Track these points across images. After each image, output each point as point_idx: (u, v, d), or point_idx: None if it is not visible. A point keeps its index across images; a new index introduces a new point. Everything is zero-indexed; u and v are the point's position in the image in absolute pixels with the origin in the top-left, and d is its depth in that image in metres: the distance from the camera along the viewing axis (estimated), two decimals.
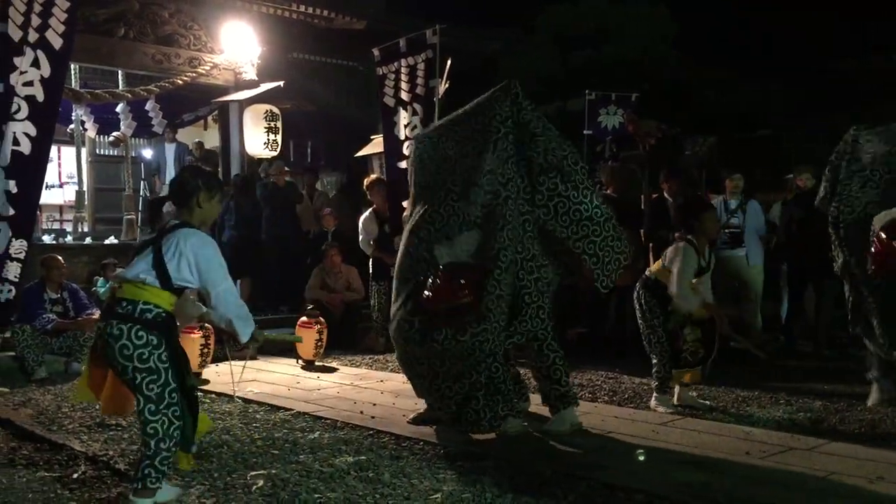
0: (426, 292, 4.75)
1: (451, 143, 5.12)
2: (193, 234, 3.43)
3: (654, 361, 5.75)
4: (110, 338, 3.34)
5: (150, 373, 3.32)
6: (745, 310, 8.09)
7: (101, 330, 3.43)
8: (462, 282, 4.69)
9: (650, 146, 9.56)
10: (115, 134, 11.50)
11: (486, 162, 4.84)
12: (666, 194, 8.11)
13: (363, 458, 4.45)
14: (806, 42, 15.29)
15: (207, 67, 10.50)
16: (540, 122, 5.01)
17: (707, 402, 5.83)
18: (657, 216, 7.98)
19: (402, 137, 8.77)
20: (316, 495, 3.81)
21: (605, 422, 5.26)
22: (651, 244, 7.84)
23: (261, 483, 4.01)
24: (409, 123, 8.69)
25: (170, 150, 12.31)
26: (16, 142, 6.65)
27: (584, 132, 9.63)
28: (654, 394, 5.77)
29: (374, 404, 5.85)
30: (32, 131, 6.69)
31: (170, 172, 12.17)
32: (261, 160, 10.83)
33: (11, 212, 6.62)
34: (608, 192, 8.43)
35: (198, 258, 3.39)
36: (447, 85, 8.82)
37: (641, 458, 4.39)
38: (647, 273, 5.89)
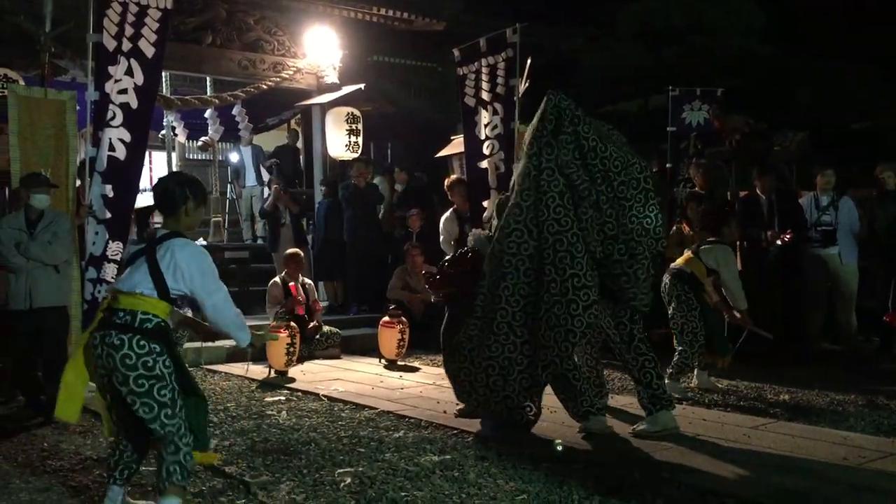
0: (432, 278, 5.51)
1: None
2: (187, 245, 3.47)
3: (680, 349, 6.00)
4: (110, 348, 3.33)
5: (158, 380, 3.33)
6: (838, 310, 7.81)
7: (97, 340, 3.40)
8: (452, 271, 5.26)
9: (736, 142, 9.33)
10: (203, 138, 11.90)
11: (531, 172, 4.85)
12: (758, 191, 7.90)
13: (448, 457, 4.47)
14: None
15: (291, 72, 10.72)
16: (586, 132, 4.88)
17: (720, 385, 6.04)
18: (749, 214, 7.78)
19: (483, 137, 8.77)
20: (402, 493, 3.85)
21: (693, 424, 5.15)
22: (743, 242, 7.66)
23: (348, 480, 4.07)
24: (489, 123, 8.69)
25: (246, 152, 12.61)
26: (112, 148, 6.90)
27: (668, 129, 9.44)
28: (666, 380, 5.78)
29: (457, 404, 5.84)
30: (127, 137, 6.94)
31: (249, 175, 12.48)
32: (343, 162, 11.00)
33: (108, 215, 6.88)
34: (696, 189, 8.27)
35: (191, 269, 3.42)
36: (527, 84, 8.78)
37: (733, 461, 4.28)
38: (677, 266, 6.09)
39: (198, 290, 3.44)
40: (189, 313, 4.39)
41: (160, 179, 3.81)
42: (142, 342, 3.33)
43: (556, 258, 4.69)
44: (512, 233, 4.82)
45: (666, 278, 6.11)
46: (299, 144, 12.23)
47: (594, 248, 4.75)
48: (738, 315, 6.19)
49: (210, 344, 8.25)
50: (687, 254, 6.20)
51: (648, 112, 12.99)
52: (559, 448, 4.53)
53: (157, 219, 3.82)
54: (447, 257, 5.58)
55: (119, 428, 3.57)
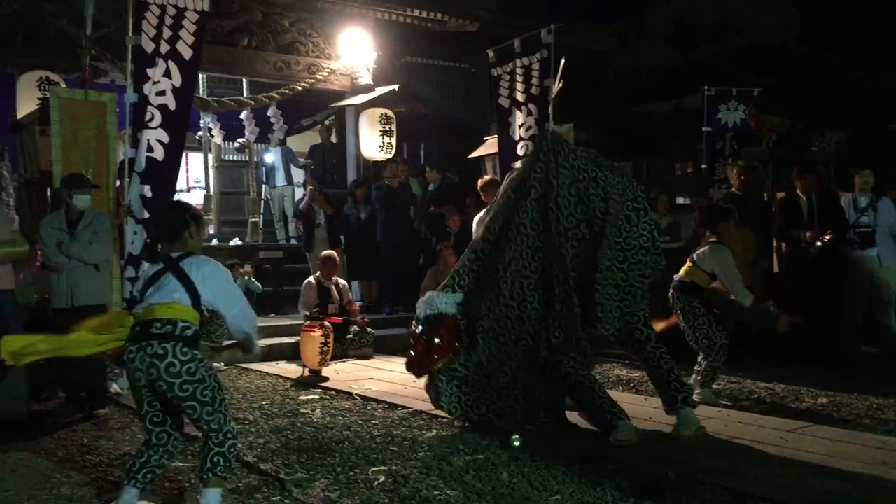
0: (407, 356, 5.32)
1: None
2: (209, 262, 3.70)
3: (701, 357, 5.98)
4: (153, 357, 3.45)
5: (201, 383, 3.48)
6: (877, 312, 7.67)
7: (134, 353, 3.49)
8: (436, 340, 5.17)
9: (773, 143, 9.22)
10: (239, 140, 12.01)
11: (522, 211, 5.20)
12: (799, 192, 7.79)
13: (481, 457, 4.46)
14: None
15: (325, 73, 10.78)
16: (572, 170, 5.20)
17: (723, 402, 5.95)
18: (789, 215, 7.68)
19: (517, 138, 8.76)
20: (436, 492, 3.85)
21: (728, 427, 5.10)
22: (781, 244, 7.56)
23: (382, 479, 4.09)
24: (523, 124, 8.67)
25: (276, 152, 12.67)
26: (150, 149, 7.00)
27: (703, 129, 9.36)
28: (698, 388, 5.87)
29: None
30: (165, 138, 7.03)
31: (279, 176, 12.56)
32: (377, 163, 11.04)
33: (146, 215, 6.98)
34: (732, 190, 8.18)
35: (219, 281, 3.64)
36: (560, 84, 8.75)
37: (769, 465, 4.22)
38: (679, 278, 6.08)
39: (223, 300, 3.66)
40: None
41: (161, 212, 4.00)
42: (184, 349, 3.47)
43: (563, 274, 5.05)
44: (515, 252, 5.15)
45: (671, 292, 6.06)
46: (333, 139, 12.28)
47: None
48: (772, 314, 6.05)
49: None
50: (687, 263, 6.16)
51: (682, 112, 12.87)
52: (516, 443, 4.61)
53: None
54: (416, 332, 5.37)
55: (153, 432, 3.65)
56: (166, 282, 3.58)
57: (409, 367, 5.36)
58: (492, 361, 5.16)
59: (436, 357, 5.18)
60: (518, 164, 5.74)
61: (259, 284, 9.85)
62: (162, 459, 3.68)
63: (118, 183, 7.08)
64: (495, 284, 5.18)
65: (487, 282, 5.24)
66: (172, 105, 7.06)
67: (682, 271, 6.15)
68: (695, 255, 6.15)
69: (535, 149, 5.44)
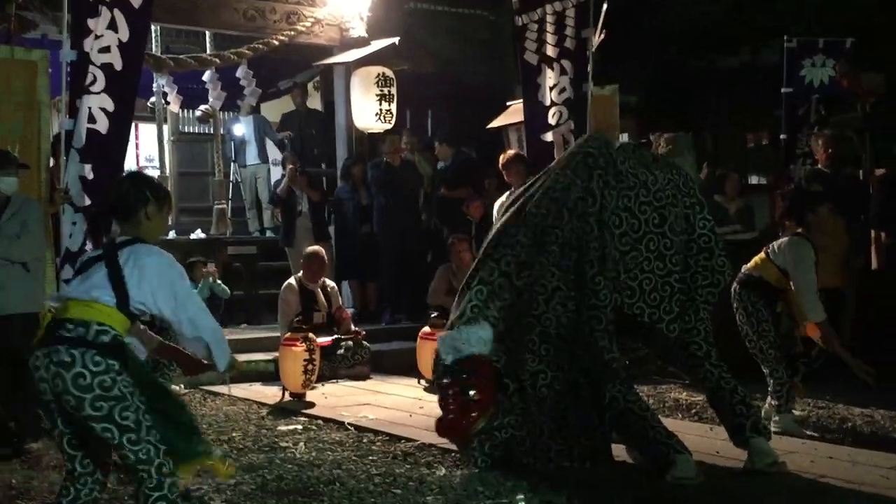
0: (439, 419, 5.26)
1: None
2: (154, 253, 3.59)
3: (768, 372, 6.05)
4: (59, 366, 3.39)
5: (119, 401, 3.40)
6: None
7: (40, 358, 3.46)
8: (471, 392, 5.09)
9: (871, 107, 9.17)
10: (202, 108, 12.01)
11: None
12: None
13: (505, 501, 4.47)
14: None
15: (308, 24, 10.78)
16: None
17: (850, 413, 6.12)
18: (891, 198, 7.65)
19: (548, 103, 8.75)
20: None
21: (815, 463, 5.10)
22: (881, 234, 7.54)
23: None
24: (555, 85, 8.67)
25: (248, 123, 12.68)
26: (91, 118, 7.02)
27: (783, 90, 9.32)
28: (775, 415, 5.95)
29: None
30: (110, 105, 7.05)
31: (251, 152, 12.59)
32: (373, 135, 11.05)
33: (88, 201, 7.01)
34: (818, 166, 8.15)
35: (161, 279, 3.55)
36: (602, 36, 8.73)
37: None
38: (746, 270, 6.18)
39: (167, 302, 3.56)
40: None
41: (116, 181, 3.99)
42: (97, 358, 3.40)
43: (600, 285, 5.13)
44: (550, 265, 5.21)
45: (734, 287, 6.09)
46: (310, 104, 12.27)
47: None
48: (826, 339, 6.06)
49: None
50: (760, 254, 6.18)
51: (756, 69, 12.82)
52: None
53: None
54: (443, 384, 5.33)
55: (74, 458, 3.61)
56: (94, 273, 3.54)
57: (444, 433, 5.28)
58: (542, 411, 5.18)
59: (475, 416, 5.07)
60: (553, 164, 5.76)
61: (226, 288, 9.88)
62: (94, 493, 3.63)
63: (52, 162, 7.11)
64: (536, 321, 5.19)
65: (524, 316, 5.23)
66: (119, 64, 7.08)
67: (752, 262, 6.18)
68: (771, 246, 6.16)
69: (574, 152, 5.51)
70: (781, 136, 9.28)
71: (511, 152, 9.37)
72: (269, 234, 12.39)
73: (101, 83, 7.03)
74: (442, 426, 5.22)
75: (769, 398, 6.07)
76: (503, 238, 5.43)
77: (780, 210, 7.17)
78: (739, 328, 6.13)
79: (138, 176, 4.02)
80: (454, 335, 5.22)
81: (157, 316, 3.70)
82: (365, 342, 8.55)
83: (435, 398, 7.38)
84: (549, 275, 5.19)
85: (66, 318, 3.48)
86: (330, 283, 8.74)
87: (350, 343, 8.43)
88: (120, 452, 3.46)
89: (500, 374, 5.15)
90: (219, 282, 9.84)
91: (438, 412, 6.76)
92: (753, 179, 11.97)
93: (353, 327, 8.62)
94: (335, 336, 8.38)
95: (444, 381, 5.24)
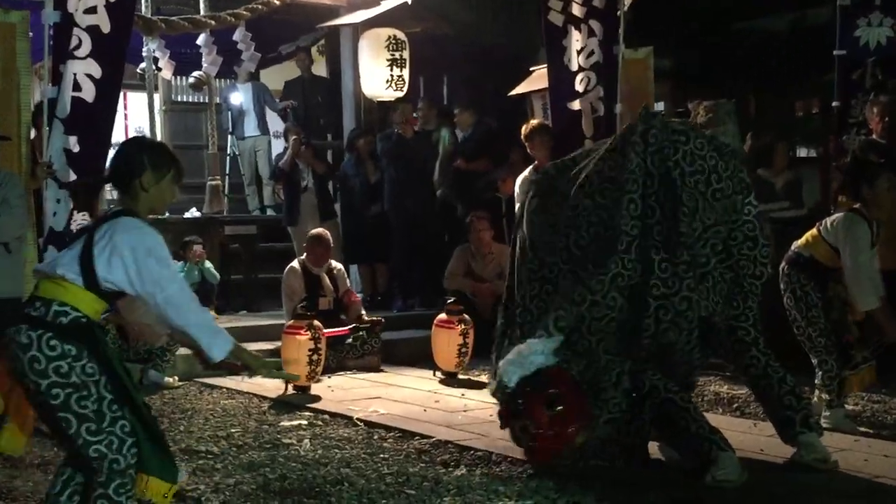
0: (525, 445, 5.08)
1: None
2: (133, 227, 3.53)
3: (817, 363, 6.03)
4: (18, 348, 3.43)
5: (77, 389, 3.41)
6: None
7: (8, 337, 3.49)
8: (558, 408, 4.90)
9: None
10: (196, 74, 12.02)
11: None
12: None
13: (529, 502, 4.48)
14: None
15: None
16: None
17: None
18: None
19: (575, 68, 8.73)
20: None
21: (869, 463, 5.09)
22: None
23: None
24: (583, 49, 8.64)
25: (246, 91, 12.69)
26: (77, 86, 7.05)
27: (835, 53, 9.23)
28: (825, 410, 5.91)
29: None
30: (97, 72, 7.08)
31: (249, 123, 12.61)
32: (383, 104, 11.03)
33: (73, 177, 7.04)
34: (874, 137, 8.09)
35: (136, 254, 3.47)
36: None
37: None
38: (797, 248, 6.14)
39: (144, 281, 3.48)
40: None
41: (119, 147, 3.91)
42: (52, 342, 3.40)
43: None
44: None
45: (782, 266, 6.07)
46: (317, 70, 12.24)
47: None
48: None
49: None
50: (812, 231, 6.14)
51: (805, 30, 12.71)
52: None
53: None
54: (519, 408, 5.10)
55: (61, 447, 3.67)
56: (74, 247, 3.55)
57: (543, 457, 5.04)
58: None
59: (574, 429, 4.89)
60: (603, 143, 5.70)
61: (215, 273, 9.90)
62: (85, 480, 3.62)
63: (33, 133, 7.14)
64: (615, 325, 5.08)
65: (598, 317, 5.11)
66: (106, 27, 7.10)
67: (802, 239, 6.15)
68: (824, 222, 6.11)
69: (629, 131, 5.40)
70: (833, 104, 9.20)
71: (535, 122, 9.36)
72: (269, 212, 12.42)
73: (86, 47, 7.05)
74: (536, 450, 5.02)
75: (818, 391, 6.05)
76: (551, 235, 5.40)
77: (837, 183, 7.12)
78: (787, 312, 6.11)
79: (138, 141, 4.00)
80: (519, 352, 5.10)
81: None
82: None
83: (449, 391, 7.48)
84: (614, 264, 5.07)
85: (35, 296, 3.51)
86: (336, 264, 8.76)
87: (365, 334, 8.44)
88: (77, 443, 3.45)
89: (579, 382, 5.01)
90: (208, 264, 9.86)
91: (455, 406, 6.87)
92: (802, 152, 11.89)
93: (363, 312, 8.64)
94: (352, 325, 8.40)
95: (520, 402, 5.04)
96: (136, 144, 3.85)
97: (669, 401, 4.97)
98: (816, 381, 6.07)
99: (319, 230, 8.90)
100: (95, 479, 3.47)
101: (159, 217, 10.63)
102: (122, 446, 3.45)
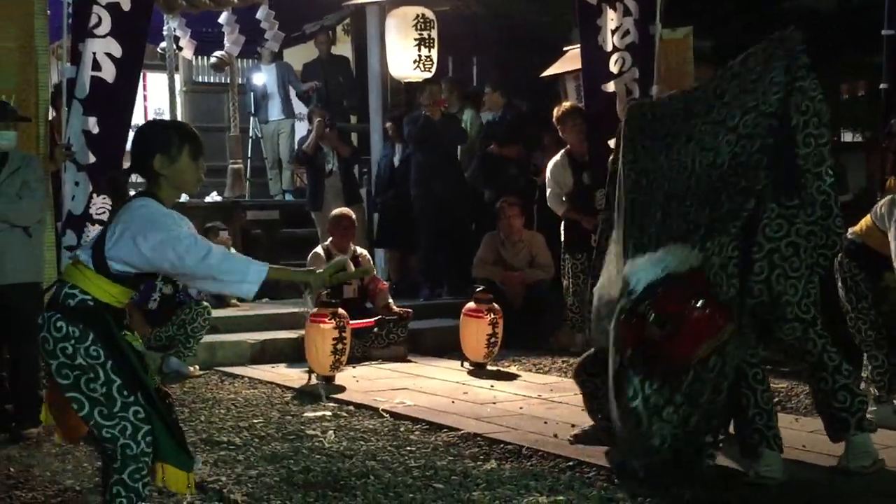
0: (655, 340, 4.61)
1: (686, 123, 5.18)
2: (138, 204, 3.57)
3: (867, 357, 5.94)
4: (38, 330, 3.59)
5: (83, 371, 3.52)
6: None
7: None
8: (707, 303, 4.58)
9: None
10: (217, 54, 12.05)
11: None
12: None
13: (561, 498, 4.48)
14: None
15: None
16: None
17: None
18: None
19: (609, 49, 8.66)
20: None
21: None
22: None
23: None
24: (618, 28, 8.57)
25: (270, 73, 12.71)
26: (96, 65, 7.07)
27: (883, 33, 9.14)
28: (872, 405, 5.72)
29: (573, 425, 5.86)
30: (117, 51, 7.09)
31: (274, 106, 12.62)
32: (410, 85, 11.02)
33: (92, 159, 7.07)
34: None
35: (140, 224, 3.50)
36: None
37: None
38: (850, 234, 5.98)
39: (152, 248, 3.47)
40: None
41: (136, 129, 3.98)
42: (59, 324, 3.51)
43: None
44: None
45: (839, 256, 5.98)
46: (342, 52, 12.19)
47: None
48: None
49: (226, 338, 8.46)
50: (866, 217, 6.06)
51: (852, 10, 12.60)
52: None
53: None
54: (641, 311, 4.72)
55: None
56: (98, 233, 3.70)
57: (671, 359, 4.53)
58: None
59: (720, 324, 4.52)
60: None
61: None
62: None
63: (52, 114, 7.17)
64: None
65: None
66: (126, 4, 7.11)
67: (857, 225, 6.06)
68: (876, 207, 6.04)
69: (763, 48, 5.14)
70: (881, 86, 9.12)
71: (567, 104, 9.32)
72: (287, 196, 12.44)
73: (106, 25, 7.06)
74: (668, 351, 4.51)
75: (866, 385, 5.98)
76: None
77: (890, 163, 7.01)
78: (840, 302, 6.05)
79: (149, 124, 4.07)
80: (650, 256, 4.84)
81: (160, 274, 3.70)
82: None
83: (478, 383, 7.48)
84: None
85: (57, 279, 3.69)
86: (362, 251, 8.77)
87: (391, 323, 8.47)
88: (90, 425, 3.55)
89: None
90: (233, 251, 9.88)
91: (484, 398, 6.87)
92: (847, 136, 11.78)
93: (390, 301, 8.65)
94: (378, 317, 8.43)
95: (647, 303, 4.64)
96: (145, 128, 3.88)
97: (742, 372, 4.78)
98: (865, 375, 6.02)
99: (341, 209, 8.91)
100: (112, 465, 3.56)
101: (179, 201, 10.72)
102: (137, 433, 3.52)
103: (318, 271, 3.77)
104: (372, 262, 9.03)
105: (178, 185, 3.71)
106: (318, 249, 8.60)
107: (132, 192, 3.80)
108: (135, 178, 3.90)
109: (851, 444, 4.88)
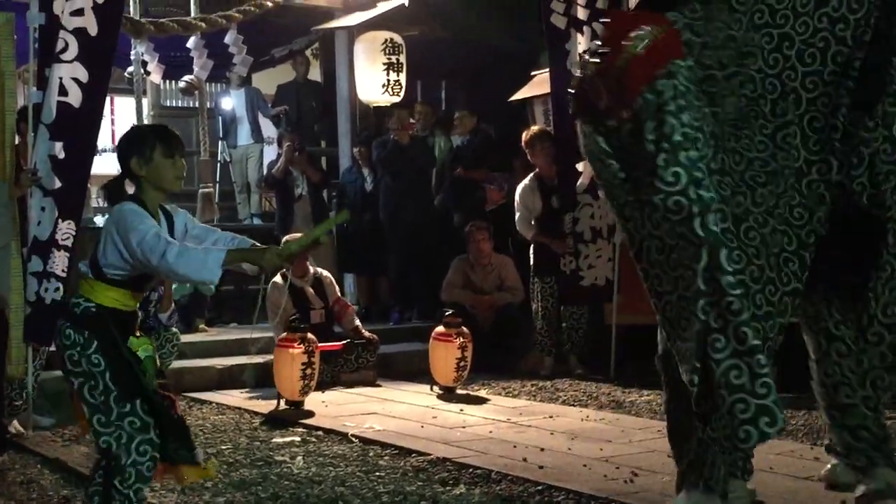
0: None
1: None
2: (117, 210, 3.78)
3: None
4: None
5: (86, 377, 3.73)
6: None
7: None
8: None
9: None
10: (186, 78, 12.03)
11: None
12: None
13: None
14: None
15: None
16: None
17: None
18: None
19: (578, 73, 8.72)
20: None
21: None
22: None
23: None
24: (587, 52, 8.64)
25: (238, 97, 12.71)
26: (63, 90, 7.02)
27: None
28: None
29: (542, 449, 5.88)
30: (84, 76, 7.05)
31: (242, 130, 12.62)
32: (379, 109, 11.05)
33: (58, 184, 7.00)
34: None
35: (118, 228, 3.71)
36: None
37: None
38: None
39: (130, 250, 3.66)
40: None
41: None
42: (67, 331, 3.75)
43: None
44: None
45: None
46: (311, 75, 12.23)
47: None
48: None
49: (194, 363, 8.42)
50: None
51: None
52: None
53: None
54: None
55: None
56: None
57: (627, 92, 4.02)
58: None
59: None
60: None
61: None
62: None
63: (17, 139, 7.13)
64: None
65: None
66: (93, 29, 7.08)
67: None
68: None
69: None
70: None
71: (536, 128, 9.37)
72: (255, 220, 12.42)
73: (73, 50, 7.03)
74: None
75: None
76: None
77: None
78: None
79: (129, 130, 4.18)
80: None
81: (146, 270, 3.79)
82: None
83: (447, 407, 7.47)
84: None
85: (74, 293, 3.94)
86: (324, 272, 8.71)
87: (360, 347, 8.44)
88: (90, 430, 3.77)
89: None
90: None
91: (453, 422, 6.86)
92: None
93: (358, 323, 8.63)
94: (346, 341, 8.40)
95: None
96: (123, 135, 4.06)
97: None
98: None
99: (289, 235, 8.82)
100: (110, 474, 3.72)
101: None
102: (131, 443, 3.69)
103: (270, 249, 3.85)
104: (336, 286, 8.96)
105: (158, 183, 3.86)
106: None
107: None
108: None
109: (875, 471, 4.45)
